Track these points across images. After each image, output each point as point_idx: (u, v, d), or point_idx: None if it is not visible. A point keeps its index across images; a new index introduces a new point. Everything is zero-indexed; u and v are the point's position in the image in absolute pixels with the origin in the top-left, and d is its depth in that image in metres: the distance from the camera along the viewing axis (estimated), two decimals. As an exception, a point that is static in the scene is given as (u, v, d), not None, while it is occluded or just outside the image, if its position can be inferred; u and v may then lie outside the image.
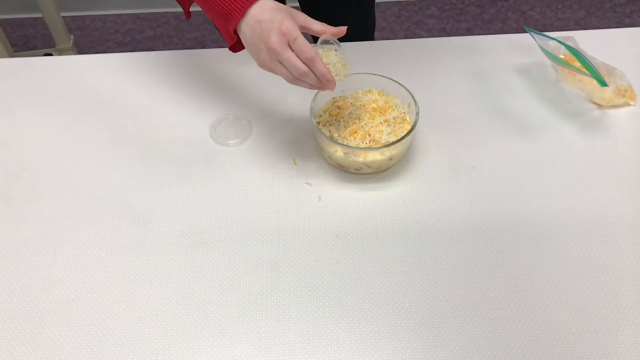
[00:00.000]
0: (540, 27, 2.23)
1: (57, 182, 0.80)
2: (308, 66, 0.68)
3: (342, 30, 0.70)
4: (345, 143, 0.77)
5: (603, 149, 0.83)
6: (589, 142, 0.84)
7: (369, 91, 0.84)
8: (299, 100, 0.89)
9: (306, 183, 0.80)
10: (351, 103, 0.83)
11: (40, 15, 2.31)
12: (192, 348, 0.64)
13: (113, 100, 0.91)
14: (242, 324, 0.66)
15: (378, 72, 0.85)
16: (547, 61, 0.93)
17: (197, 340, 0.65)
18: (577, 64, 0.87)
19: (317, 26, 0.70)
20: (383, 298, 0.68)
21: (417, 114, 0.78)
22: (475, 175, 0.80)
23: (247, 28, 0.69)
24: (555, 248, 0.72)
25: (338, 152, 0.77)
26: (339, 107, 0.82)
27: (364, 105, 0.82)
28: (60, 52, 1.82)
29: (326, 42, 0.72)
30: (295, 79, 0.70)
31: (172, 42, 2.25)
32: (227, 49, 0.99)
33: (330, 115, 0.82)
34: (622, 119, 0.87)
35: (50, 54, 1.83)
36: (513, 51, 0.97)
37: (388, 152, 0.77)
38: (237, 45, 0.74)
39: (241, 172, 0.81)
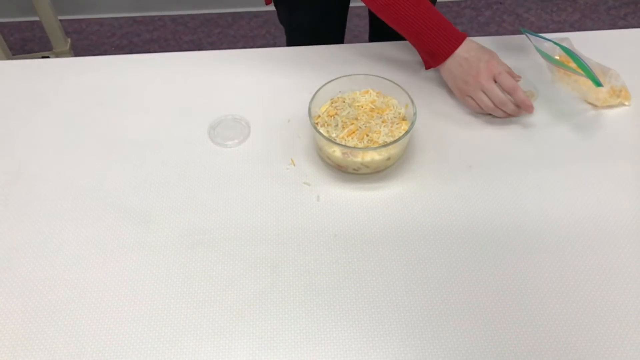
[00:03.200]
0: (536, 29, 2.25)
1: (57, 183, 0.80)
2: (510, 94, 0.83)
3: (529, 108, 0.84)
4: (343, 143, 0.78)
5: (598, 148, 0.84)
6: (585, 142, 0.85)
7: (367, 92, 0.85)
8: (296, 102, 0.89)
9: (304, 183, 0.80)
10: (349, 104, 0.83)
11: (37, 18, 2.31)
12: (192, 347, 0.64)
13: (111, 102, 0.92)
14: (241, 323, 0.66)
15: (376, 73, 0.85)
16: (543, 62, 0.94)
17: (196, 339, 0.65)
18: (573, 65, 0.88)
19: (508, 82, 0.84)
20: (381, 297, 0.68)
21: (415, 114, 0.79)
22: (472, 175, 0.81)
23: (452, 63, 0.86)
24: (551, 247, 0.73)
25: (336, 153, 0.78)
26: (336, 108, 0.83)
27: (362, 106, 0.83)
28: (58, 55, 1.82)
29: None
30: (494, 107, 0.84)
31: (169, 45, 2.26)
32: (224, 51, 1.00)
33: (328, 115, 0.82)
34: (617, 119, 0.88)
35: (48, 57, 1.83)
36: (509, 52, 0.98)
37: (386, 152, 0.77)
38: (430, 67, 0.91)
39: (240, 172, 0.81)
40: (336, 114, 0.82)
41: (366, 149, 0.77)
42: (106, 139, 0.86)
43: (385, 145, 0.76)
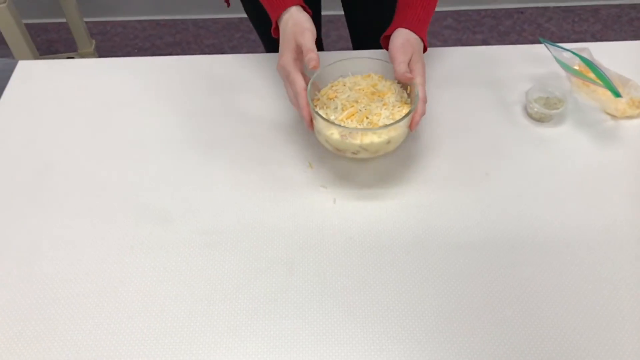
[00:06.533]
0: (556, 39, 2.24)
1: (80, 181, 0.82)
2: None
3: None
4: (342, 125, 0.75)
5: (617, 159, 0.84)
6: (603, 153, 0.85)
7: (368, 76, 0.83)
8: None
9: (321, 186, 0.81)
10: (349, 87, 0.81)
11: (64, 20, 2.36)
12: (206, 344, 0.66)
13: (133, 103, 0.94)
14: (256, 323, 0.68)
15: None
16: (562, 72, 0.94)
17: (211, 337, 0.66)
18: (592, 75, 0.88)
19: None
20: (394, 301, 0.69)
21: (417, 95, 0.76)
22: (489, 183, 0.81)
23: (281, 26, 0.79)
24: (567, 257, 0.73)
25: (335, 135, 0.75)
26: (336, 91, 0.81)
27: (363, 89, 0.80)
28: (82, 56, 1.86)
29: None
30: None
31: (190, 48, 2.29)
32: (244, 55, 1.02)
33: (327, 98, 0.80)
34: (636, 130, 0.88)
35: (73, 58, 1.87)
36: (528, 62, 0.98)
37: (386, 135, 0.75)
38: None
39: (258, 174, 0.83)
40: (336, 96, 0.80)
41: (365, 129, 0.74)
42: (127, 138, 0.88)
43: (386, 126, 0.74)
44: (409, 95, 0.81)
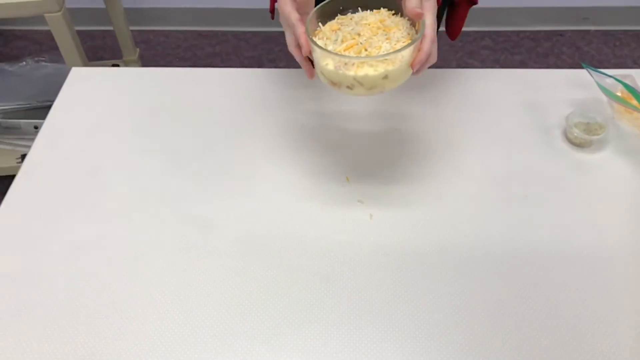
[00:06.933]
0: (596, 63, 2.22)
1: (124, 184, 0.85)
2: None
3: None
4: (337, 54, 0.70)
5: (657, 187, 0.83)
6: (643, 180, 0.84)
7: (379, 11, 0.77)
8: (353, 120, 0.93)
9: (358, 201, 0.83)
10: (356, 22, 0.75)
11: (109, 28, 2.44)
12: (238, 352, 0.67)
13: (175, 111, 0.97)
14: (289, 333, 0.69)
15: (426, 100, 0.87)
16: (604, 98, 0.94)
17: (243, 345, 0.68)
18: (635, 102, 0.88)
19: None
20: (428, 319, 0.70)
21: (423, 25, 0.69)
22: (527, 205, 0.81)
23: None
24: (604, 283, 0.73)
25: (329, 66, 0.70)
26: (341, 24, 0.75)
27: (369, 24, 0.74)
28: (127, 64, 1.92)
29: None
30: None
31: (230, 59, 2.34)
32: (283, 70, 1.05)
33: (331, 30, 0.75)
34: (679, 159, 0.87)
35: (118, 65, 1.93)
36: (568, 86, 0.98)
37: (382, 68, 0.68)
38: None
39: (294, 186, 0.85)
40: (339, 29, 0.75)
41: (359, 58, 0.68)
42: (168, 146, 0.91)
43: (381, 56, 0.68)
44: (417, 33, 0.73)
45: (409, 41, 0.70)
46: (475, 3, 0.95)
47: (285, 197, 0.83)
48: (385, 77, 0.70)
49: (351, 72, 0.69)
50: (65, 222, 0.81)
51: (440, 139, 0.91)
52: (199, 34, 2.48)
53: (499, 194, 0.83)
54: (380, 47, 0.70)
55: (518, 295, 0.72)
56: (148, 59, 2.33)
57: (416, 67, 0.69)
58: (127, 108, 0.98)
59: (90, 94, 1.01)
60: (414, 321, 0.69)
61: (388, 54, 0.68)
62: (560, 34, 2.37)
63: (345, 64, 0.69)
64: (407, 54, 0.68)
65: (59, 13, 1.33)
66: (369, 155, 0.89)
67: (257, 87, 1.01)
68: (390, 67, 0.69)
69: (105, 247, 0.78)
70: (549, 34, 2.37)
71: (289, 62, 2.28)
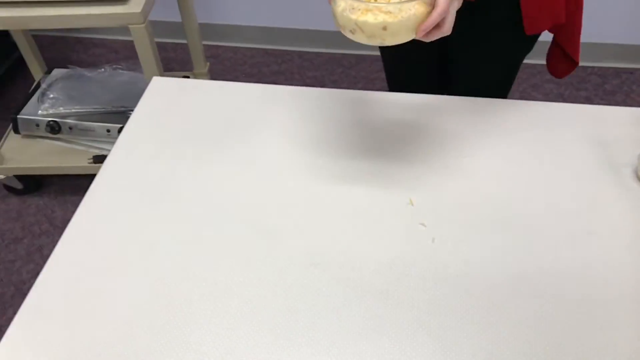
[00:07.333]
0: (667, 104, 2.15)
1: (197, 191, 0.90)
2: None
3: None
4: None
5: None
6: None
7: None
8: (418, 142, 0.94)
9: (421, 224, 0.84)
10: None
11: (180, 41, 2.55)
12: None
13: (242, 125, 1.01)
14: (348, 346, 0.70)
15: (489, 128, 0.88)
16: (678, 139, 0.92)
17: (299, 356, 0.70)
18: None
19: None
20: (491, 346, 0.70)
21: None
22: (593, 242, 0.80)
23: None
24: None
25: (339, 7, 0.74)
26: None
27: None
28: (197, 76, 2.00)
29: None
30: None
31: (294, 78, 2.41)
32: (345, 91, 1.07)
33: None
34: None
35: (188, 76, 2.02)
36: (638, 125, 0.97)
37: (382, 18, 0.72)
38: None
39: (359, 205, 0.87)
40: None
41: (364, 3, 0.72)
42: (236, 158, 0.95)
43: (383, 5, 0.71)
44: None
45: (423, 2, 0.73)
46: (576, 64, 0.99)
47: (349, 214, 0.85)
48: (384, 28, 0.73)
49: (354, 17, 0.73)
50: (141, 224, 0.85)
51: (504, 169, 0.91)
52: (265, 51, 2.56)
53: (565, 230, 0.82)
54: (390, 0, 0.73)
55: (584, 328, 0.71)
56: (216, 73, 2.42)
57: (420, 34, 0.73)
58: (201, 118, 1.03)
59: (167, 102, 1.07)
60: (476, 348, 0.70)
61: (389, 4, 0.71)
62: (630, 71, 2.31)
63: (353, 8, 0.73)
64: (409, 11, 0.71)
65: (143, 25, 1.41)
66: (431, 179, 0.90)
67: (319, 106, 1.04)
68: (389, 20, 0.72)
69: (176, 251, 0.81)
70: (618, 71, 2.32)
71: (350, 84, 2.32)
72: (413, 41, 0.77)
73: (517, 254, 0.79)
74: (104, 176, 0.93)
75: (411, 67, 1.29)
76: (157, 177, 0.92)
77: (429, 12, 0.73)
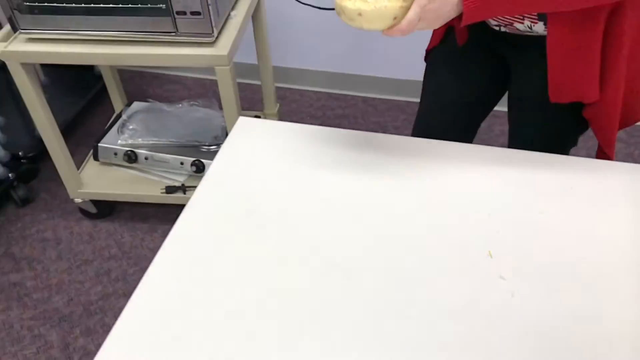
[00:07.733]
0: None
1: (276, 225, 0.93)
2: None
3: None
4: None
5: None
6: None
7: None
8: (493, 194, 0.95)
9: (500, 277, 0.84)
10: None
11: (251, 81, 2.66)
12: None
13: (307, 164, 1.05)
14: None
15: (558, 185, 0.88)
16: None
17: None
18: None
19: None
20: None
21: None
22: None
23: None
24: None
25: None
26: None
27: None
28: (267, 117, 2.09)
29: None
30: None
31: (357, 122, 2.46)
32: (408, 138, 1.10)
33: None
34: None
35: (259, 116, 2.10)
36: None
37: (358, 4, 0.81)
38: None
39: (438, 256, 0.88)
40: None
41: None
42: (321, 196, 0.98)
43: None
44: None
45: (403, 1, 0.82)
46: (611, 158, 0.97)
47: (428, 266, 0.87)
48: (359, 14, 0.83)
49: (337, 1, 0.84)
50: (226, 250, 0.89)
51: (574, 225, 0.91)
52: (330, 95, 2.64)
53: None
54: None
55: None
56: (283, 114, 2.51)
57: (389, 34, 0.83)
58: (281, 156, 1.08)
59: (252, 141, 1.12)
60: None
61: None
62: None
63: None
64: (382, 2, 0.81)
65: (228, 67, 1.49)
66: (509, 232, 0.90)
67: (380, 152, 1.07)
68: (363, 7, 0.82)
69: (255, 275, 0.85)
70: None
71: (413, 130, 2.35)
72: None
73: (597, 314, 0.79)
74: (191, 208, 0.98)
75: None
76: (241, 209, 0.97)
77: (402, 7, 0.82)
